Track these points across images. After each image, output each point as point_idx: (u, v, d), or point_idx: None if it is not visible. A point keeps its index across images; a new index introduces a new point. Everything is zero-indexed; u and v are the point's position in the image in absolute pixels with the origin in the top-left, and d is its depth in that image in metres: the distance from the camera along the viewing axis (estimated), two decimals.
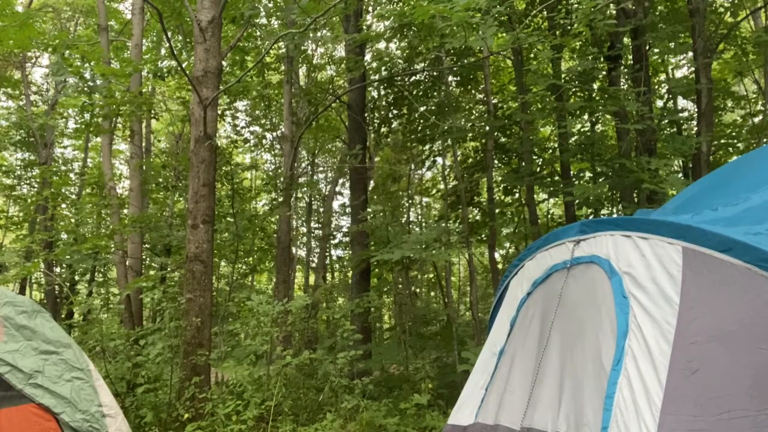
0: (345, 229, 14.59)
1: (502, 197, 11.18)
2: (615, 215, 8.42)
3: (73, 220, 11.68)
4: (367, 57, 10.80)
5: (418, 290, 14.13)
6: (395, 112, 11.37)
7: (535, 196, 9.98)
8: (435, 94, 10.17)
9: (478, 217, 11.00)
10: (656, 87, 10.42)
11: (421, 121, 10.54)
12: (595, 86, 9.27)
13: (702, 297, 2.10)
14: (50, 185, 10.53)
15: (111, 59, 9.41)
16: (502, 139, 10.44)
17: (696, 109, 9.04)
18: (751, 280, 1.98)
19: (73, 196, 13.87)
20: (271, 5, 10.59)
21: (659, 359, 2.07)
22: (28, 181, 15.55)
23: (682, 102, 11.64)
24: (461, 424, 3.07)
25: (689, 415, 1.91)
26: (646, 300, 2.25)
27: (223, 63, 7.58)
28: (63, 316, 13.13)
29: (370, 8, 11.72)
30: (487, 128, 9.31)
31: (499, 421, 2.80)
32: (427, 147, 11.78)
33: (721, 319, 2.02)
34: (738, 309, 2.00)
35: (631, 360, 2.15)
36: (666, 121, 9.21)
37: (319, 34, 11.53)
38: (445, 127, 8.83)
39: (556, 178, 9.55)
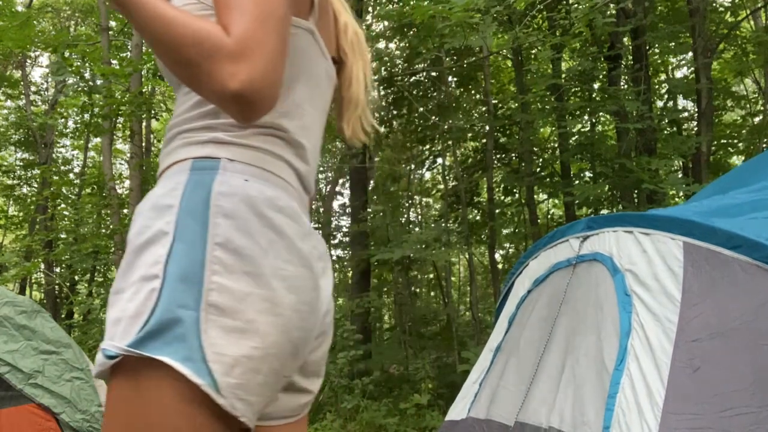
0: (345, 229, 14.57)
1: (502, 197, 11.16)
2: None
3: (73, 220, 11.66)
4: None
5: (418, 290, 14.12)
6: (395, 112, 11.36)
7: (535, 196, 9.97)
8: (435, 94, 10.15)
9: (478, 217, 10.99)
10: (656, 87, 10.41)
11: (421, 121, 10.52)
12: (595, 86, 9.27)
13: (703, 293, 2.08)
14: (50, 185, 10.52)
15: (111, 59, 9.41)
16: (502, 139, 10.43)
17: (696, 109, 9.04)
18: (756, 276, 1.97)
19: (73, 197, 13.85)
20: None
21: (661, 357, 2.06)
22: (28, 181, 15.52)
23: (682, 102, 11.63)
24: (455, 419, 3.08)
25: (691, 414, 1.90)
26: (648, 297, 2.23)
27: None
28: (63, 316, 13.13)
29: (370, 8, 11.71)
30: (487, 128, 9.30)
31: (490, 416, 2.79)
32: (427, 147, 11.77)
33: (723, 315, 2.01)
34: (740, 304, 1.98)
35: (634, 359, 2.14)
36: (666, 121, 9.20)
37: None
38: (445, 127, 8.82)
39: (556, 178, 9.54)
